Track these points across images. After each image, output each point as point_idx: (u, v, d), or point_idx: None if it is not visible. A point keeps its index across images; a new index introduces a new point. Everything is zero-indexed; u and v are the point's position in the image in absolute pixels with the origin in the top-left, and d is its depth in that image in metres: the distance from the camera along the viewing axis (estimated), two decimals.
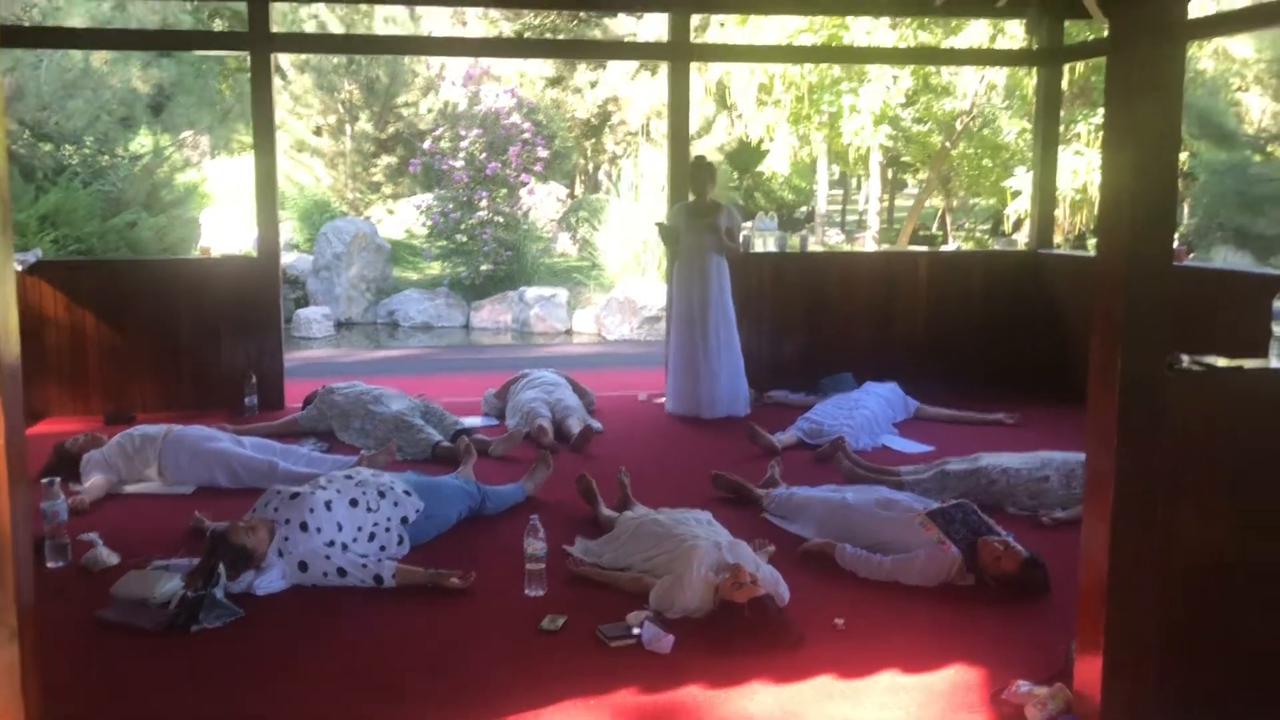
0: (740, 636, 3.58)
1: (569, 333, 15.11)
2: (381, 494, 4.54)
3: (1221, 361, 2.93)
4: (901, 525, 4.33)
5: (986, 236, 24.33)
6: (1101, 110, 17.59)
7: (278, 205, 7.40)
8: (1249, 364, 2.97)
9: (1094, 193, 18.23)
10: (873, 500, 4.57)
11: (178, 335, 7.36)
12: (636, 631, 3.64)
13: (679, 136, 7.83)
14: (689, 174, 7.27)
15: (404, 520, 4.54)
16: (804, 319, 7.93)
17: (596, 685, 3.38)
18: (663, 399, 7.48)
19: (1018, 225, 19.20)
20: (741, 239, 7.57)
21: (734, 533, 4.39)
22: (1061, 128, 9.26)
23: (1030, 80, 16.51)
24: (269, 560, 4.12)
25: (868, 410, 6.56)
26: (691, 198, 7.23)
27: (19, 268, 7.11)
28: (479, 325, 15.88)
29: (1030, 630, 3.79)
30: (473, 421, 6.90)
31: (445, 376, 9.19)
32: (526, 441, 6.30)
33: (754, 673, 3.45)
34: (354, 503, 4.41)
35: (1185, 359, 2.92)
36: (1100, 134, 17.83)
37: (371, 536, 4.40)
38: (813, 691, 3.37)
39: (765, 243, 8.17)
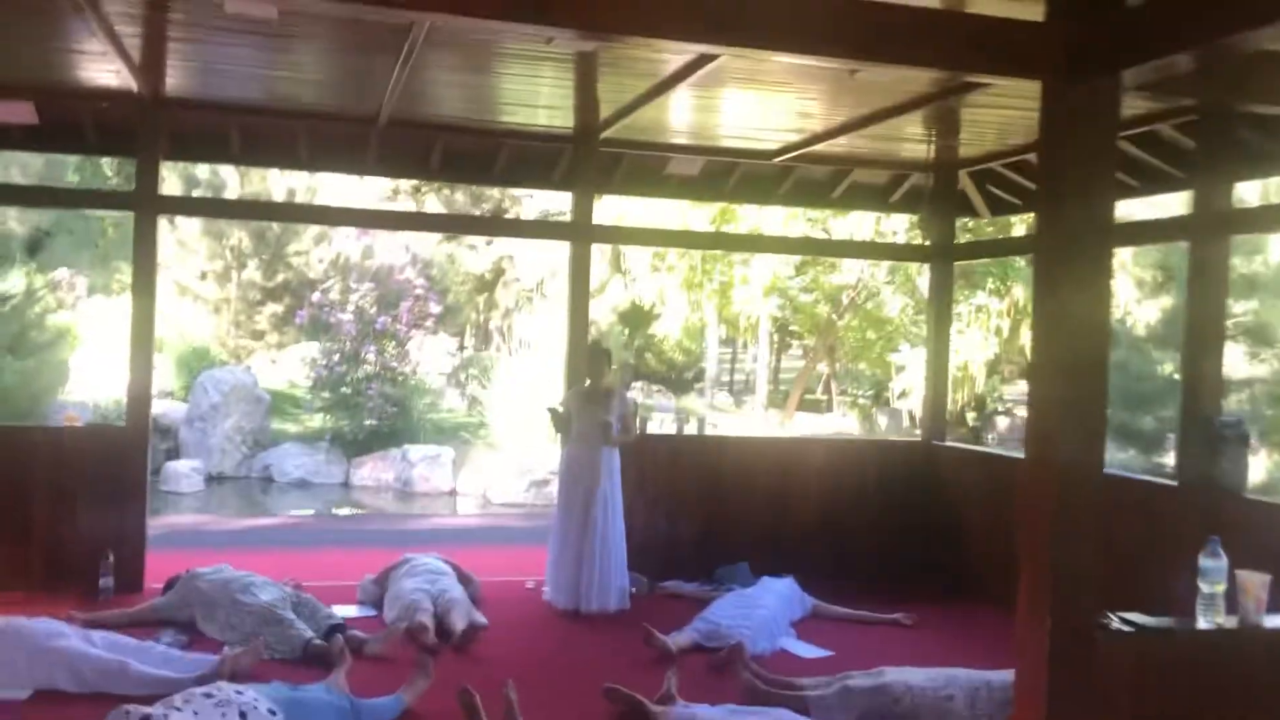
0: None
1: (453, 493, 14.70)
2: (243, 715, 4.11)
3: (1148, 622, 2.83)
4: None
5: (869, 404, 24.87)
6: (981, 292, 18.35)
7: (151, 369, 7.00)
8: (1177, 625, 2.87)
9: (974, 370, 18.87)
10: None
11: (29, 504, 6.80)
12: None
13: (579, 313, 7.76)
14: (584, 358, 7.15)
15: None
16: (699, 504, 7.76)
17: None
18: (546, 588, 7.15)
19: (903, 395, 19.63)
20: (637, 421, 7.45)
21: None
22: None
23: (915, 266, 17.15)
24: None
25: (766, 610, 6.34)
26: (587, 382, 7.09)
27: None
28: (359, 482, 15.35)
29: None
30: (348, 611, 6.46)
31: (320, 551, 8.69)
32: (406, 637, 5.89)
33: None
34: None
35: (1113, 618, 2.81)
36: (978, 314, 18.60)
37: None
38: None
39: (661, 424, 8.05)
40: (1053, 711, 2.72)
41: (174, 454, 15.45)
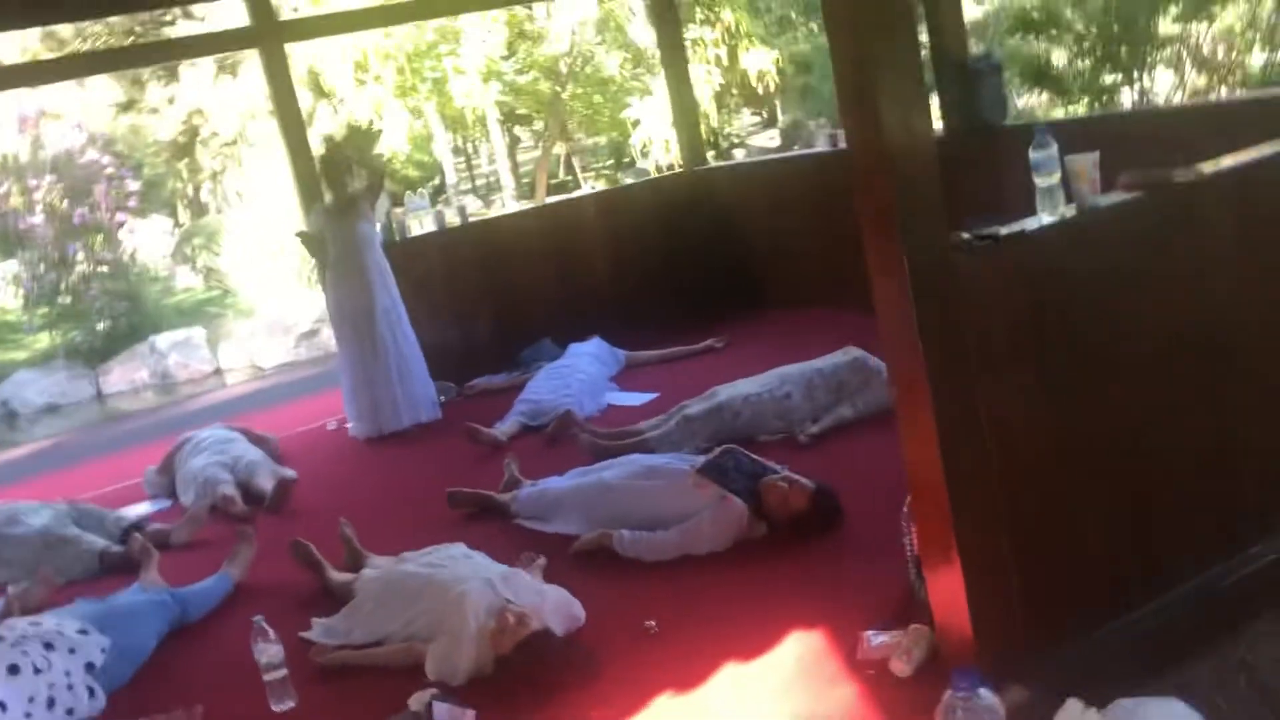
0: (523, 688, 3.02)
1: (219, 373, 13.67)
2: (49, 645, 3.54)
3: (1002, 230, 2.63)
4: (675, 492, 3.88)
5: (616, 173, 24.64)
6: (692, 25, 17.98)
7: None
8: (1028, 224, 2.70)
9: (705, 107, 18.72)
10: (633, 473, 4.09)
11: None
12: None
13: (292, 126, 6.95)
14: (320, 172, 6.45)
15: (89, 667, 3.57)
16: (485, 293, 7.29)
17: None
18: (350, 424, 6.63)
19: (644, 152, 19.46)
20: (394, 223, 6.94)
21: (491, 553, 3.81)
22: None
23: (625, 10, 16.57)
24: None
25: (583, 374, 6.09)
26: (329, 197, 6.41)
27: None
28: (113, 390, 14.05)
29: (848, 567, 3.46)
30: (140, 510, 5.80)
31: (89, 464, 7.81)
32: (213, 517, 5.32)
33: (583, 716, 2.88)
34: (14, 669, 3.39)
35: (965, 235, 2.60)
36: (695, 48, 18.28)
37: (51, 703, 3.41)
38: (655, 717, 2.85)
39: (422, 223, 7.43)
40: (928, 347, 2.51)
41: None
